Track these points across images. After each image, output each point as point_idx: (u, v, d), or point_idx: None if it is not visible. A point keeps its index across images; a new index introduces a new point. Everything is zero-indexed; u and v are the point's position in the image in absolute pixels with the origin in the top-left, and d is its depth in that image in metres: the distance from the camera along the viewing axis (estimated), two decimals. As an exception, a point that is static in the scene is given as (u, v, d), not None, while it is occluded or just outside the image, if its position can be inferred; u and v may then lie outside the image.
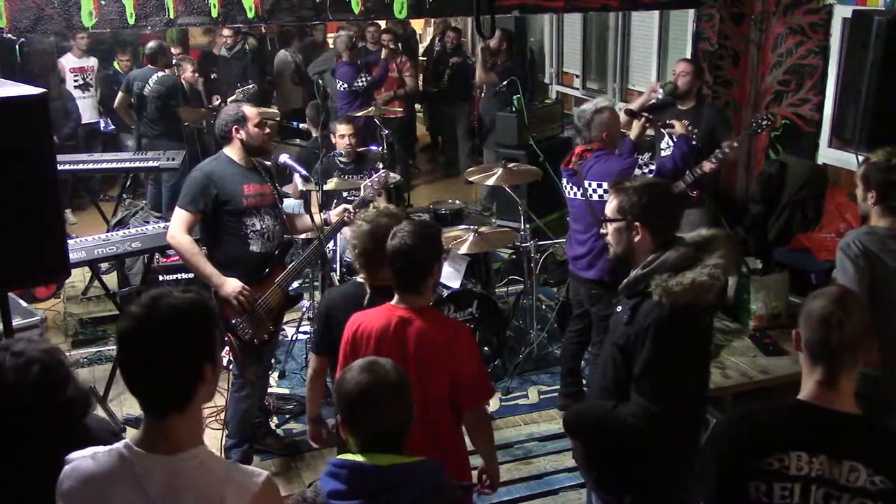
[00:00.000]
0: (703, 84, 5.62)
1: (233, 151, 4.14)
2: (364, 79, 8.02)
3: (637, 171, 4.31)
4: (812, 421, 2.09)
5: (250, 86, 7.67)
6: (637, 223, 2.81)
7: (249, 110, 4.16)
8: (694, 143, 4.85)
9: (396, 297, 2.90)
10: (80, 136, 8.67)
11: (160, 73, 7.48)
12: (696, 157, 5.00)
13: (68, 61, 8.66)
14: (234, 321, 4.01)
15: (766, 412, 2.24)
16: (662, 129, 5.10)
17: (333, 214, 4.41)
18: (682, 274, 2.68)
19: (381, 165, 5.71)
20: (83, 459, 1.89)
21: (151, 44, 7.82)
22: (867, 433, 2.08)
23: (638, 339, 2.74)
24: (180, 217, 4.03)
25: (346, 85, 7.98)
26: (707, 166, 4.93)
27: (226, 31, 8.77)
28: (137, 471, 1.82)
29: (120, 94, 7.79)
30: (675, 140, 4.76)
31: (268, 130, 4.24)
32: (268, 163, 4.51)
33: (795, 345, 2.19)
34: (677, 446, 2.84)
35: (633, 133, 4.68)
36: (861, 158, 3.50)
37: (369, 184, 4.56)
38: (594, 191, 4.38)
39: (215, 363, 1.90)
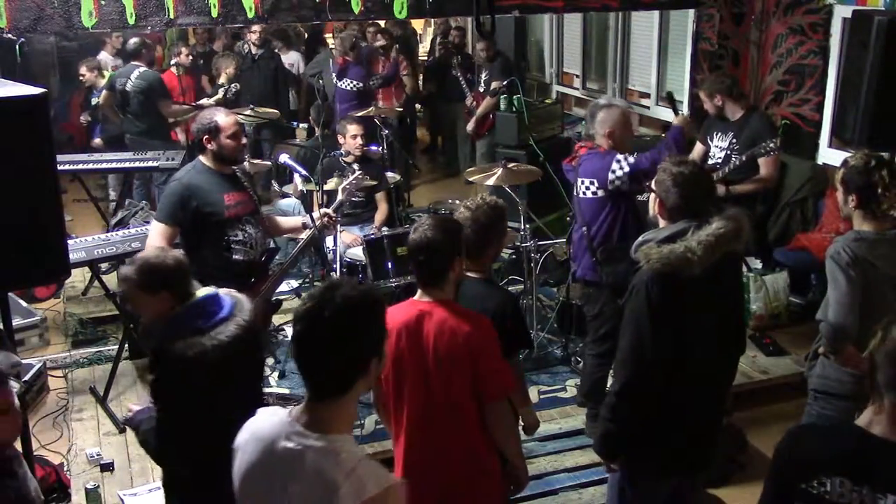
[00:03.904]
0: (739, 93, 5.39)
1: (208, 160, 4.00)
2: (376, 79, 8.05)
3: (615, 166, 4.16)
4: (862, 449, 1.96)
5: (233, 84, 7.59)
6: (658, 197, 3.01)
7: (224, 120, 3.93)
8: (734, 157, 4.98)
9: (419, 291, 2.92)
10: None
11: (142, 69, 7.34)
12: (744, 171, 5.06)
13: (108, 59, 8.62)
14: None
15: (821, 432, 2.18)
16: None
17: (315, 218, 4.36)
18: (668, 244, 2.81)
19: (356, 167, 5.64)
20: (265, 414, 2.05)
21: (133, 39, 7.62)
22: None
23: (627, 299, 2.93)
24: (158, 231, 3.92)
25: (360, 84, 7.90)
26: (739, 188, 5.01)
27: (255, 28, 8.46)
28: (284, 438, 1.93)
29: (104, 91, 7.62)
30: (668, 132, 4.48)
31: (244, 141, 4.06)
32: (246, 165, 4.40)
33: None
34: (651, 427, 2.91)
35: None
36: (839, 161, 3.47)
37: (346, 186, 4.54)
38: (587, 188, 4.29)
39: (381, 357, 1.97)
